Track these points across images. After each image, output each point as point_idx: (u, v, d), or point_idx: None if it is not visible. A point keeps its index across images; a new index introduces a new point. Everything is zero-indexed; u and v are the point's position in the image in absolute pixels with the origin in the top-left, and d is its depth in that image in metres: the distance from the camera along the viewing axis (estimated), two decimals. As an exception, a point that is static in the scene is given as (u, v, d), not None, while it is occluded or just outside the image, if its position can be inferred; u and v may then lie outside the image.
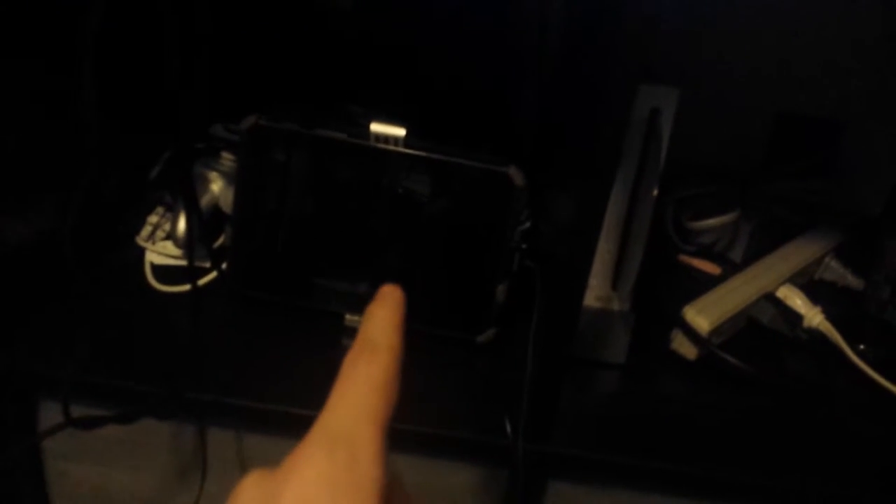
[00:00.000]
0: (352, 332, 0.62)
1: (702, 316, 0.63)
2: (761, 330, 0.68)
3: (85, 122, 0.47)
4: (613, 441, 0.56)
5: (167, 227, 0.69)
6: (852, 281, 0.75)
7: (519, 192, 0.59)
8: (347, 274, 0.63)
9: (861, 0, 0.73)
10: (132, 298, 0.64)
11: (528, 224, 0.62)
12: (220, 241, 0.68)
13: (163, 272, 0.67)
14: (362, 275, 0.63)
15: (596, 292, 0.61)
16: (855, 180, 0.81)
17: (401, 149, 0.59)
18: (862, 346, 0.65)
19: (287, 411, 0.54)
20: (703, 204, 0.75)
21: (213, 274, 0.66)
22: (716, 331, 0.63)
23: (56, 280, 0.61)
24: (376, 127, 0.59)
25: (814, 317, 0.66)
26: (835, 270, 0.75)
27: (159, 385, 0.54)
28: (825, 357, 0.66)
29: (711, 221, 0.75)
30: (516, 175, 0.58)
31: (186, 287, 0.65)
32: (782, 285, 0.69)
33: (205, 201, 0.67)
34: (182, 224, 0.66)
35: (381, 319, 0.33)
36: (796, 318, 0.67)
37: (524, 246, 0.61)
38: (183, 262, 0.68)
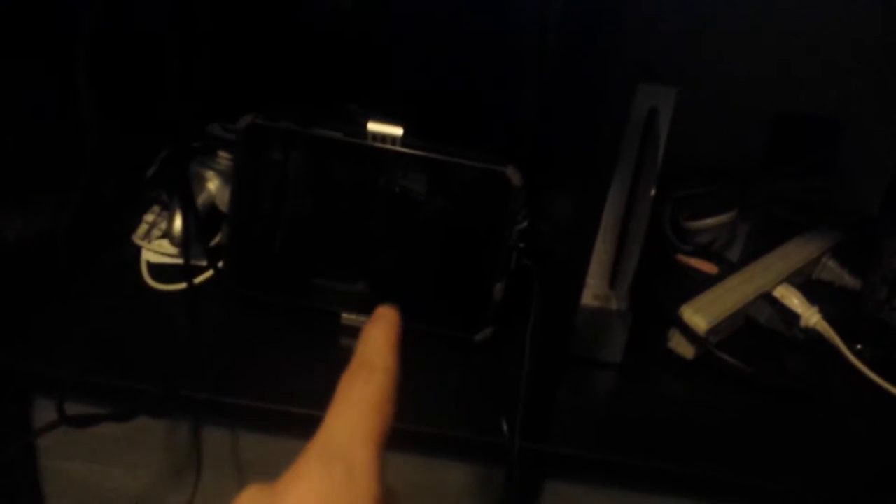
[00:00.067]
0: (348, 331, 0.62)
1: (699, 315, 0.63)
2: (758, 329, 0.68)
3: (83, 122, 0.47)
4: (610, 440, 0.56)
5: (164, 225, 0.69)
6: (849, 281, 0.75)
7: (516, 192, 0.59)
8: (344, 273, 0.63)
9: (860, 0, 0.73)
10: (128, 297, 0.64)
11: (525, 223, 0.62)
12: (217, 239, 0.68)
13: (159, 271, 0.67)
14: (359, 274, 0.62)
15: (593, 291, 0.61)
16: (852, 180, 0.81)
17: (398, 148, 0.59)
18: (859, 346, 0.65)
19: (283, 410, 0.54)
20: (701, 203, 0.75)
21: (210, 272, 0.66)
22: (713, 330, 0.63)
23: (52, 278, 0.61)
24: (373, 126, 0.59)
25: (811, 316, 0.66)
26: (832, 270, 0.75)
27: (155, 383, 0.54)
28: (822, 357, 0.66)
29: (709, 221, 0.75)
30: (514, 174, 0.58)
31: (182, 285, 0.64)
32: (780, 285, 0.69)
33: (201, 200, 0.67)
34: (178, 222, 0.66)
35: (377, 340, 0.34)
36: (793, 317, 0.67)
37: (521, 245, 0.61)
38: (179, 261, 0.68)
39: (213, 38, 0.75)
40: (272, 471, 0.28)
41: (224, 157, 0.68)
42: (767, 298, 0.68)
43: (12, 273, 0.59)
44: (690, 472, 0.54)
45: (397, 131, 0.59)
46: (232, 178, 0.62)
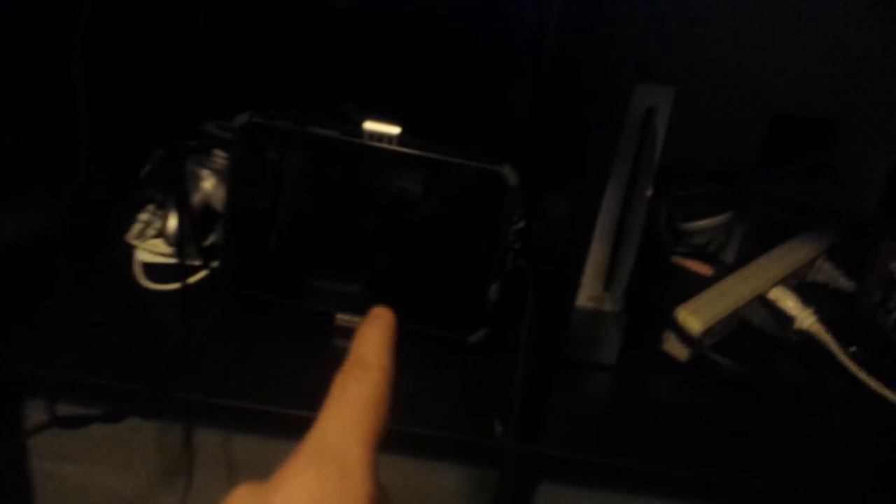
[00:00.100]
0: (343, 332, 0.62)
1: (694, 317, 0.63)
2: (753, 331, 0.68)
3: (76, 120, 0.47)
4: (604, 442, 0.56)
5: (158, 224, 0.69)
6: (844, 283, 0.75)
7: (512, 192, 0.58)
8: (339, 273, 0.62)
9: (856, 0, 0.73)
10: (121, 296, 0.64)
11: (521, 224, 0.62)
12: (211, 239, 0.68)
13: (153, 270, 0.66)
14: (354, 274, 0.62)
15: (588, 292, 0.61)
16: (848, 182, 0.80)
17: (394, 147, 0.59)
18: (853, 349, 0.65)
19: (276, 411, 0.54)
20: (697, 205, 0.75)
21: (204, 272, 0.65)
22: (708, 332, 0.63)
23: (45, 278, 0.61)
24: (370, 125, 0.58)
25: (805, 318, 0.66)
26: (827, 272, 0.75)
27: (147, 384, 0.54)
28: (817, 359, 0.66)
29: (704, 222, 0.74)
30: (510, 174, 0.58)
31: (176, 285, 0.64)
32: (774, 287, 0.69)
33: (196, 199, 0.67)
34: (173, 222, 0.66)
35: (372, 340, 0.34)
36: (788, 319, 0.67)
37: (517, 245, 0.61)
38: (173, 261, 0.67)
39: (209, 37, 0.75)
40: (265, 472, 0.28)
41: (219, 156, 0.68)
42: (762, 300, 0.68)
43: (4, 272, 0.59)
44: (684, 474, 0.54)
45: (394, 130, 0.58)
46: (227, 178, 0.62)
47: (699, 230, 0.75)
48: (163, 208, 0.69)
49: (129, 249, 0.68)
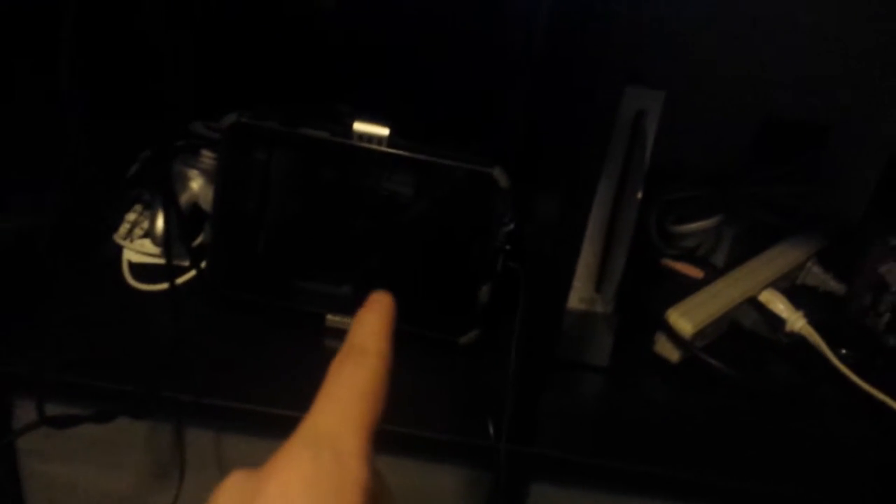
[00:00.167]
0: (333, 333, 0.61)
1: (685, 319, 0.63)
2: (744, 334, 0.68)
3: (64, 120, 0.47)
4: (596, 443, 0.56)
5: (146, 225, 0.69)
6: (834, 286, 0.75)
7: (503, 193, 0.58)
8: (329, 274, 0.62)
9: (846, 5, 0.73)
10: (109, 296, 0.63)
11: (512, 225, 0.62)
12: (200, 239, 0.67)
13: (141, 270, 0.66)
14: (345, 275, 0.62)
15: (580, 294, 0.61)
16: (838, 185, 0.81)
17: (384, 148, 0.58)
18: (844, 351, 0.65)
19: (266, 412, 0.54)
20: (687, 208, 0.75)
21: (192, 273, 0.65)
22: (699, 334, 0.63)
23: (33, 278, 0.60)
24: (359, 126, 0.58)
25: (796, 321, 0.66)
26: (817, 275, 0.76)
27: (136, 384, 0.53)
28: (807, 361, 0.66)
29: (695, 225, 0.75)
30: (501, 176, 0.58)
31: (165, 286, 0.64)
32: (765, 289, 0.69)
33: (184, 199, 0.66)
34: (160, 222, 0.65)
35: (371, 325, 0.33)
36: (779, 322, 0.67)
37: (508, 247, 0.61)
38: (161, 261, 0.67)
39: (198, 36, 0.75)
40: (256, 472, 0.28)
41: (207, 157, 0.67)
42: (753, 303, 0.68)
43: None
44: (676, 476, 0.54)
45: (383, 131, 0.58)
46: (215, 178, 0.62)
47: (689, 233, 0.76)
48: (150, 208, 0.69)
49: (117, 249, 0.67)
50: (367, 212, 0.60)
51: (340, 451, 0.27)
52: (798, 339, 0.67)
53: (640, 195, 0.56)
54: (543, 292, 0.54)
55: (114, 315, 0.62)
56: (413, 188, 0.60)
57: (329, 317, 0.62)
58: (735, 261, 0.74)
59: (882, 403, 0.62)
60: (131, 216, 0.69)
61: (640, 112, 0.56)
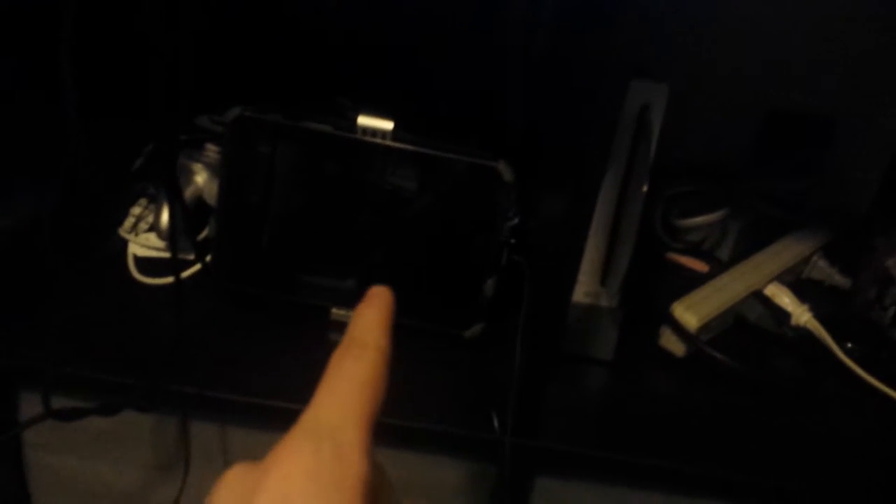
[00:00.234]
0: (338, 326, 0.61)
1: (690, 312, 0.63)
2: (749, 327, 0.68)
3: (66, 112, 0.47)
4: (601, 437, 0.56)
5: (150, 218, 0.69)
6: (839, 280, 0.75)
7: (508, 187, 0.58)
8: (334, 268, 0.62)
9: (851, 1, 0.73)
10: (114, 290, 0.63)
11: (516, 219, 0.62)
12: (205, 233, 0.67)
13: (146, 264, 0.66)
14: (349, 269, 0.62)
15: (584, 288, 0.61)
16: (843, 179, 0.81)
17: (388, 142, 0.58)
18: (849, 345, 0.65)
19: (271, 405, 0.54)
20: (692, 201, 0.75)
21: (197, 266, 0.65)
22: (704, 328, 0.63)
23: (38, 271, 0.60)
24: (363, 120, 0.58)
25: (801, 315, 0.66)
26: (822, 269, 0.75)
27: (141, 377, 0.53)
28: (812, 355, 0.66)
29: (700, 219, 0.74)
30: (505, 170, 0.58)
31: (170, 279, 0.64)
32: (770, 283, 0.69)
33: (189, 193, 0.66)
34: (165, 216, 0.65)
35: (370, 319, 0.33)
36: (784, 315, 0.67)
37: (513, 241, 0.61)
38: (166, 255, 0.67)
39: (202, 29, 0.75)
40: (261, 465, 0.28)
41: (212, 150, 0.67)
42: (758, 296, 0.68)
43: (-1, 266, 0.59)
44: (681, 469, 0.54)
45: (387, 125, 0.58)
46: (220, 172, 0.62)
47: (694, 227, 0.75)
48: (155, 202, 0.69)
49: (122, 243, 0.68)
50: (371, 205, 0.60)
51: (341, 444, 0.27)
52: (803, 333, 0.67)
53: (645, 188, 0.56)
54: (548, 286, 0.54)
55: (119, 308, 0.62)
56: (417, 182, 0.60)
57: (333, 310, 0.62)
58: (740, 255, 0.74)
59: (887, 397, 0.62)
60: (136, 210, 0.69)
61: (645, 105, 0.56)
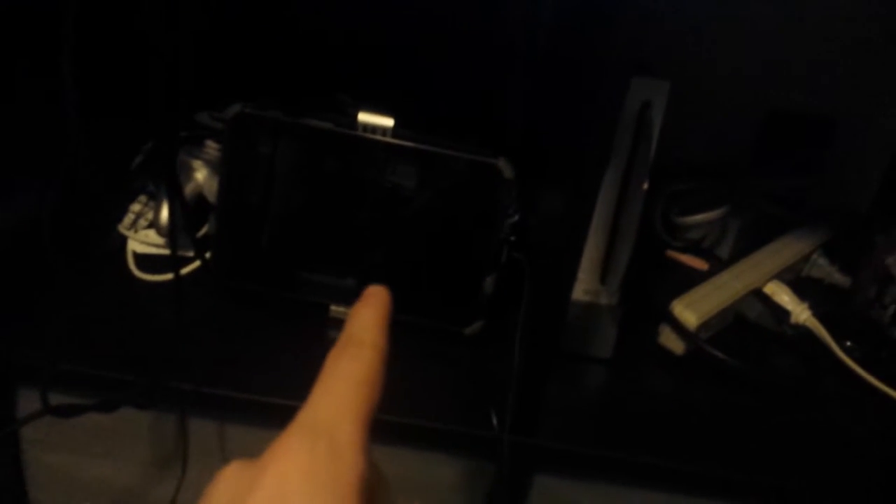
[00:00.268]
0: (337, 324, 0.61)
1: (690, 310, 0.63)
2: (748, 326, 0.68)
3: (66, 111, 0.46)
4: (600, 435, 0.56)
5: (150, 215, 0.68)
6: (839, 278, 0.75)
7: (508, 184, 0.58)
8: (333, 265, 0.62)
9: (852, 1, 0.73)
10: (114, 287, 0.63)
11: (516, 217, 0.62)
12: (204, 230, 0.67)
13: (145, 261, 0.66)
14: (348, 266, 0.62)
15: (584, 286, 0.61)
16: (843, 178, 0.81)
17: (388, 139, 0.58)
18: (848, 343, 0.65)
19: (270, 402, 0.54)
20: (692, 199, 0.75)
21: (197, 263, 0.65)
22: (703, 326, 0.63)
23: (36, 268, 0.60)
24: (364, 116, 0.58)
25: (801, 313, 0.66)
26: (822, 268, 0.75)
27: (140, 374, 0.53)
28: (812, 353, 0.66)
29: (700, 217, 0.75)
30: (505, 167, 0.58)
31: (169, 276, 0.64)
32: (770, 281, 0.69)
33: (188, 190, 0.66)
34: (165, 213, 0.65)
35: (366, 318, 0.33)
36: (784, 314, 0.67)
37: (512, 238, 0.61)
38: (166, 251, 0.67)
39: (201, 26, 0.74)
40: (259, 463, 0.28)
41: (212, 147, 0.67)
42: (758, 295, 0.68)
43: (-3, 262, 0.59)
44: (679, 467, 0.54)
45: (388, 122, 0.58)
46: (220, 168, 0.62)
47: (694, 225, 0.75)
48: (155, 199, 0.69)
49: (122, 240, 0.67)
50: (371, 202, 0.60)
51: (337, 442, 0.27)
52: (803, 331, 0.67)
53: (645, 186, 0.56)
54: (548, 283, 0.54)
55: (118, 305, 0.62)
56: (417, 179, 0.59)
57: (333, 308, 0.62)
58: (740, 253, 0.74)
59: (886, 395, 0.62)
60: (136, 207, 0.69)
61: (646, 103, 0.56)
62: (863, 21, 0.74)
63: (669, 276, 0.72)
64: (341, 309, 0.62)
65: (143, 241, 0.67)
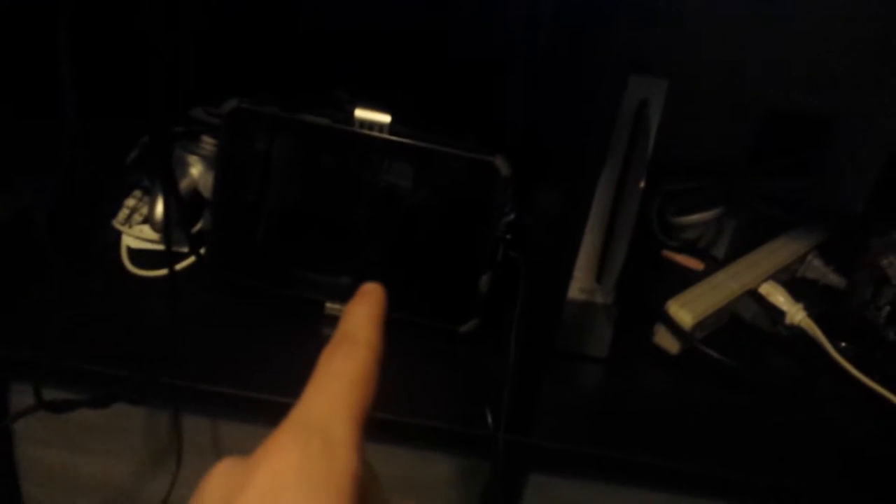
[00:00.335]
0: (332, 321, 0.61)
1: (685, 310, 0.63)
2: (744, 326, 0.68)
3: (62, 104, 0.46)
4: (594, 434, 0.56)
5: (145, 210, 0.68)
6: (834, 279, 0.75)
7: (504, 182, 0.58)
8: (329, 262, 0.62)
9: (850, 1, 0.73)
10: (108, 282, 0.63)
11: (512, 215, 0.62)
12: (199, 225, 0.67)
13: (139, 256, 0.66)
14: (344, 262, 0.62)
15: (580, 284, 0.61)
16: (839, 179, 0.81)
17: (385, 135, 0.58)
18: (843, 344, 0.65)
19: (264, 398, 0.54)
20: (688, 199, 0.75)
21: (192, 259, 0.65)
22: (699, 325, 0.63)
23: (30, 262, 0.60)
24: (361, 113, 0.58)
25: (796, 313, 0.66)
26: (817, 269, 0.75)
27: (134, 370, 0.53)
28: (807, 354, 0.66)
29: (695, 217, 0.74)
30: (502, 165, 0.58)
31: (163, 272, 0.63)
32: (765, 282, 0.69)
33: (184, 185, 0.66)
34: (160, 208, 0.65)
35: (361, 316, 0.33)
36: (779, 314, 0.67)
37: (508, 236, 0.61)
38: (160, 247, 0.67)
39: (200, 23, 0.74)
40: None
41: (207, 142, 0.67)
42: (753, 295, 0.68)
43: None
44: (674, 467, 0.54)
45: (385, 118, 0.58)
46: (215, 164, 0.61)
47: (690, 224, 0.75)
48: (149, 194, 0.68)
49: (116, 235, 0.67)
50: (367, 199, 0.60)
51: (330, 440, 0.27)
52: (798, 332, 0.67)
53: (642, 185, 0.56)
54: (543, 282, 0.54)
55: (112, 300, 0.61)
56: (414, 176, 0.59)
57: (328, 305, 0.62)
58: (735, 253, 0.74)
59: (881, 396, 0.62)
60: (130, 202, 0.69)
61: (644, 101, 0.56)
62: (862, 21, 0.74)
63: (665, 276, 0.72)
64: (336, 306, 0.62)
65: (138, 236, 0.67)
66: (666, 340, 0.64)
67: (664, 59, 0.57)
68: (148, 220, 0.67)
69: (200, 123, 0.69)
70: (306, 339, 0.58)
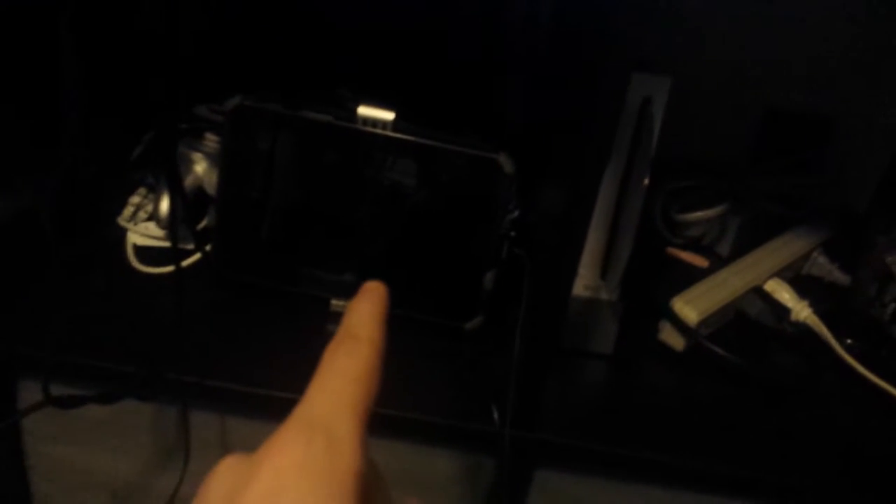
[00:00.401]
0: (337, 318, 0.61)
1: (690, 307, 0.63)
2: (749, 323, 0.68)
3: (64, 103, 0.46)
4: (600, 430, 0.56)
5: (149, 207, 0.68)
6: (839, 276, 0.75)
7: (508, 179, 0.58)
8: (333, 259, 0.62)
9: (852, 1, 0.73)
10: (114, 279, 0.63)
11: (516, 212, 0.62)
12: (204, 222, 0.67)
13: (145, 253, 0.66)
14: (349, 260, 0.62)
15: (585, 281, 0.61)
16: (843, 176, 0.81)
17: (389, 133, 0.58)
18: (849, 341, 0.65)
19: (270, 395, 0.54)
20: (692, 197, 0.75)
21: (197, 256, 0.65)
22: (704, 322, 0.63)
23: (37, 259, 0.60)
24: (364, 110, 0.58)
25: (801, 310, 0.66)
26: (822, 266, 0.75)
27: (141, 366, 0.53)
28: (812, 351, 0.66)
29: (700, 214, 0.74)
30: (506, 162, 0.58)
31: (169, 268, 0.64)
32: (770, 279, 0.69)
33: (188, 182, 0.66)
34: (165, 205, 0.65)
35: (364, 313, 0.33)
36: (784, 311, 0.67)
37: (513, 234, 0.61)
38: (165, 244, 0.67)
39: (202, 22, 0.74)
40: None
41: (211, 140, 0.67)
42: (758, 292, 0.68)
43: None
44: (679, 463, 0.54)
45: (388, 116, 0.58)
46: (219, 161, 0.62)
47: (695, 222, 0.75)
48: (154, 191, 0.69)
49: (121, 232, 0.67)
50: (371, 196, 0.60)
51: (334, 437, 0.27)
52: (803, 329, 0.67)
53: (646, 182, 0.56)
54: (548, 279, 0.54)
55: (118, 297, 0.62)
56: (418, 173, 0.59)
57: (333, 302, 0.62)
58: (740, 250, 0.74)
59: (886, 393, 0.62)
60: (135, 199, 0.69)
61: (647, 98, 0.56)
62: (863, 21, 0.74)
63: (669, 273, 0.72)
64: (341, 303, 0.62)
65: (143, 233, 0.67)
66: (671, 337, 0.64)
67: (667, 57, 0.57)
68: (153, 216, 0.67)
69: (204, 121, 0.70)
70: (312, 336, 0.59)
